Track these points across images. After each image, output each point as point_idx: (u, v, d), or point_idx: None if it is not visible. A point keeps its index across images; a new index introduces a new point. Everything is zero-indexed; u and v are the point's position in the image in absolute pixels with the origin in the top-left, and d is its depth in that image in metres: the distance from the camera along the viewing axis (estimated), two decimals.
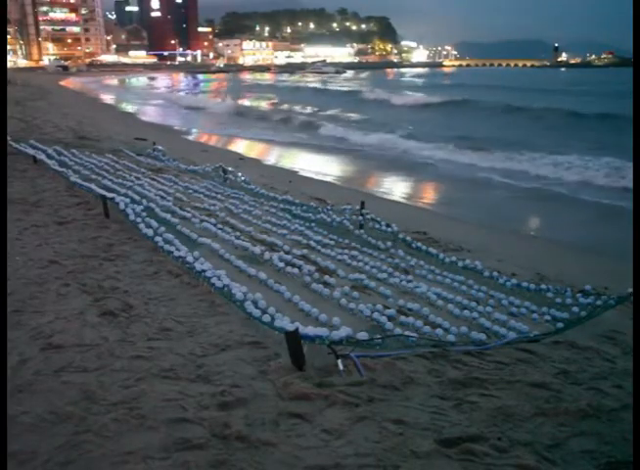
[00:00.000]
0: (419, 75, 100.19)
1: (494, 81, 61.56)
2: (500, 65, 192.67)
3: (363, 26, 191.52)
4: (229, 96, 39.84)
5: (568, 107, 26.54)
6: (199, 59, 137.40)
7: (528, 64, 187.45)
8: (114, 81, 64.23)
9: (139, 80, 68.83)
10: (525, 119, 23.56)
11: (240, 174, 8.46)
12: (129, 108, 29.25)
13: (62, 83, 52.47)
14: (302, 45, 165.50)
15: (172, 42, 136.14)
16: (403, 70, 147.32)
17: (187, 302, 3.54)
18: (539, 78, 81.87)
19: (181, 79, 67.94)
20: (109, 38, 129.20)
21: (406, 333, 3.18)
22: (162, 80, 62.44)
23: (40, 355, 2.72)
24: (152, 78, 70.24)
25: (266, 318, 3.12)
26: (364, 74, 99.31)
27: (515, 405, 2.39)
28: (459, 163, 13.38)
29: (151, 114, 26.66)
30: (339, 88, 52.08)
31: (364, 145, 16.62)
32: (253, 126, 21.41)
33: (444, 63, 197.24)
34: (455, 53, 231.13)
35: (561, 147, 14.87)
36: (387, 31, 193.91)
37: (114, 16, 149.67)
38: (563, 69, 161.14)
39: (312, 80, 71.79)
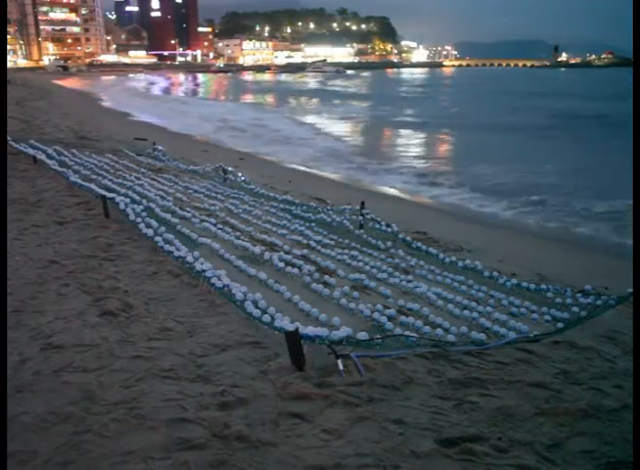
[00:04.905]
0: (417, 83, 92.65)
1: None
2: (500, 65, 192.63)
3: (363, 26, 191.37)
4: None
5: None
6: (199, 59, 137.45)
7: (528, 64, 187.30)
8: (114, 82, 63.96)
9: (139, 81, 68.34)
10: None
11: (240, 174, 8.46)
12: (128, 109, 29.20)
13: (62, 83, 52.47)
14: (302, 45, 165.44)
15: (172, 42, 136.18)
16: (403, 70, 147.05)
17: (187, 302, 3.54)
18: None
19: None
20: (109, 38, 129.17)
21: (406, 333, 3.18)
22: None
23: (40, 355, 2.71)
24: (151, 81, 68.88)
25: (266, 318, 3.12)
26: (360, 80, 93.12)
27: (515, 405, 2.39)
28: None
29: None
30: None
31: None
32: None
33: (444, 63, 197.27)
34: (455, 53, 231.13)
35: None
36: (387, 31, 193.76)
37: (114, 16, 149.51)
38: (563, 69, 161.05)
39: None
